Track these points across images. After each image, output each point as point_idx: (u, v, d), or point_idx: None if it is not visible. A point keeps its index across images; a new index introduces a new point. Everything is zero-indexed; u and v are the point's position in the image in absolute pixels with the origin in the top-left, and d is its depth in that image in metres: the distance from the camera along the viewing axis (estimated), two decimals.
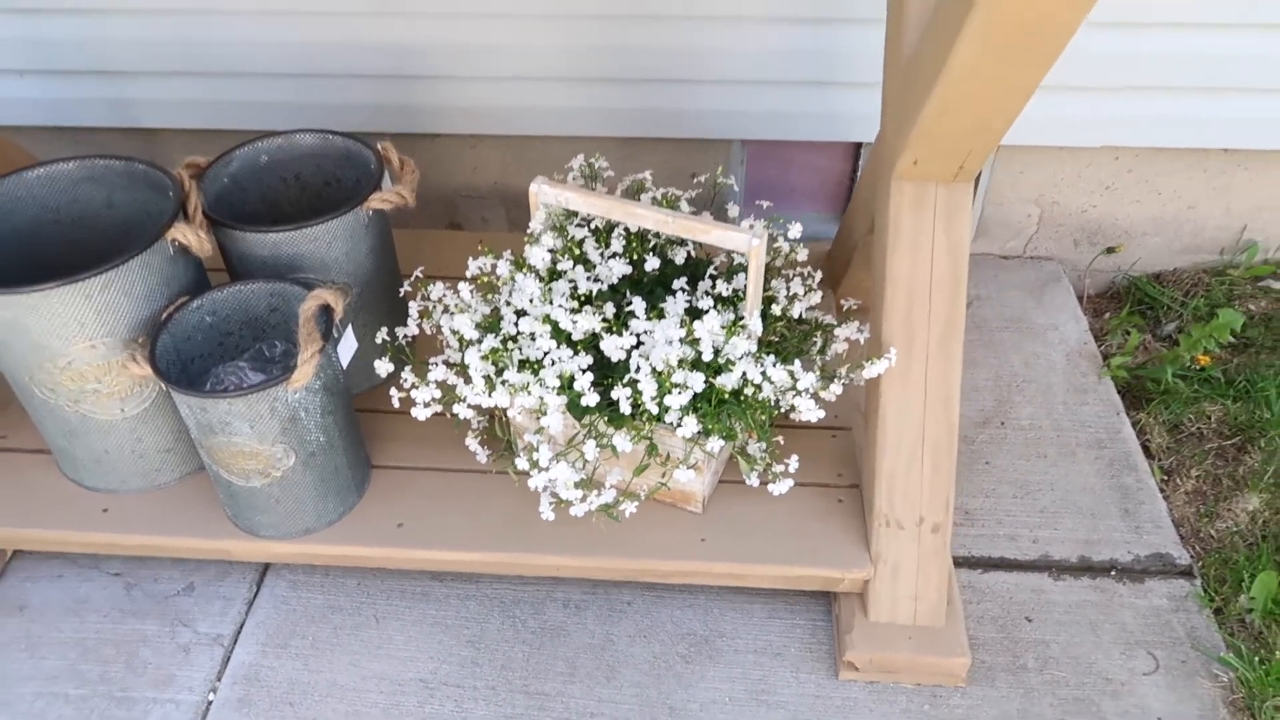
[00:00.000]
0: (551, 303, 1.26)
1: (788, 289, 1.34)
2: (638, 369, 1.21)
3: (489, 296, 1.34)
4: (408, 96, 1.87)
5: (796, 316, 1.34)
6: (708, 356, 1.20)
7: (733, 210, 1.48)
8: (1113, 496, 1.60)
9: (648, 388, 1.18)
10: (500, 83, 1.83)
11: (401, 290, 1.51)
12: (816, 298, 1.37)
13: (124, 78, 1.88)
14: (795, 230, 1.36)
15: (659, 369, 1.19)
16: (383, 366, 1.32)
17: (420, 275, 1.46)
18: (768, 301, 1.33)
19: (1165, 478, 1.66)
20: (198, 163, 1.45)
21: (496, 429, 1.41)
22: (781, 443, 1.40)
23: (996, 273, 2.05)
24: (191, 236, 1.27)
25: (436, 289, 1.34)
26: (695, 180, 1.98)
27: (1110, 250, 2.04)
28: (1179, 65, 1.73)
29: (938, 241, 1.28)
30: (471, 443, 1.38)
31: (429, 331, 1.35)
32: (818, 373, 1.27)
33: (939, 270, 1.28)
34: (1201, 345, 1.77)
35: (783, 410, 1.28)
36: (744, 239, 1.20)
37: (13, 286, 1.18)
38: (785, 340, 1.34)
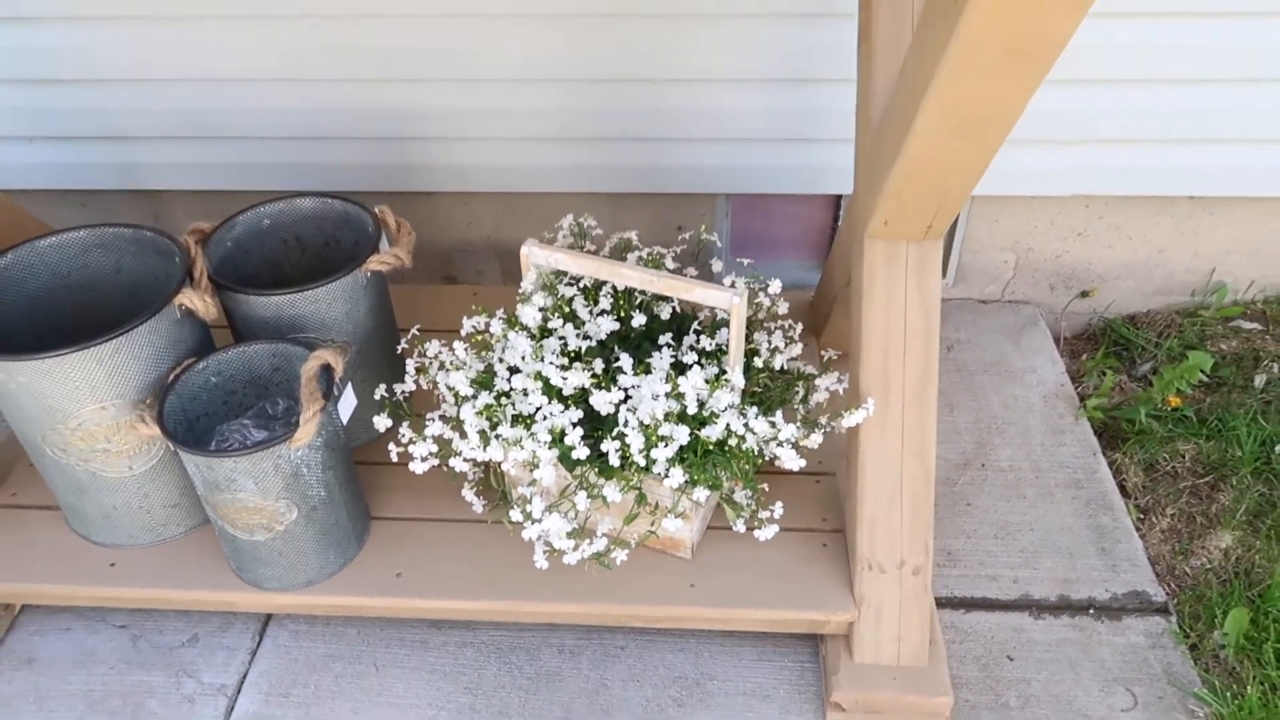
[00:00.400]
0: (543, 359, 1.32)
1: (769, 342, 1.40)
2: (625, 423, 1.26)
3: (483, 354, 1.39)
4: (403, 157, 1.94)
5: (778, 368, 1.40)
6: (692, 409, 1.26)
7: (717, 265, 1.55)
8: (1090, 536, 1.65)
9: (635, 441, 1.23)
10: (492, 143, 1.91)
11: (399, 347, 1.56)
12: (797, 349, 1.43)
13: (128, 142, 1.95)
14: (775, 286, 1.43)
15: (646, 422, 1.24)
16: (381, 422, 1.37)
17: (417, 333, 1.52)
18: (750, 354, 1.39)
19: (1141, 516, 1.71)
20: (202, 228, 1.51)
21: (492, 480, 1.46)
22: (766, 489, 1.45)
23: (975, 317, 2.11)
24: (198, 301, 1.33)
25: (432, 346, 1.40)
26: (681, 237, 2.04)
27: (1084, 294, 2.11)
28: (1143, 118, 1.81)
29: (910, 296, 1.34)
30: (467, 493, 1.43)
31: (425, 387, 1.41)
32: (800, 422, 1.33)
33: (912, 323, 1.34)
34: (1173, 386, 1.83)
35: (767, 459, 1.33)
36: (725, 297, 1.26)
37: (26, 351, 1.24)
38: (768, 390, 1.40)
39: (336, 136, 1.91)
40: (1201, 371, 1.85)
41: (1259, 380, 1.94)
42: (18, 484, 1.57)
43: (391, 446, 1.37)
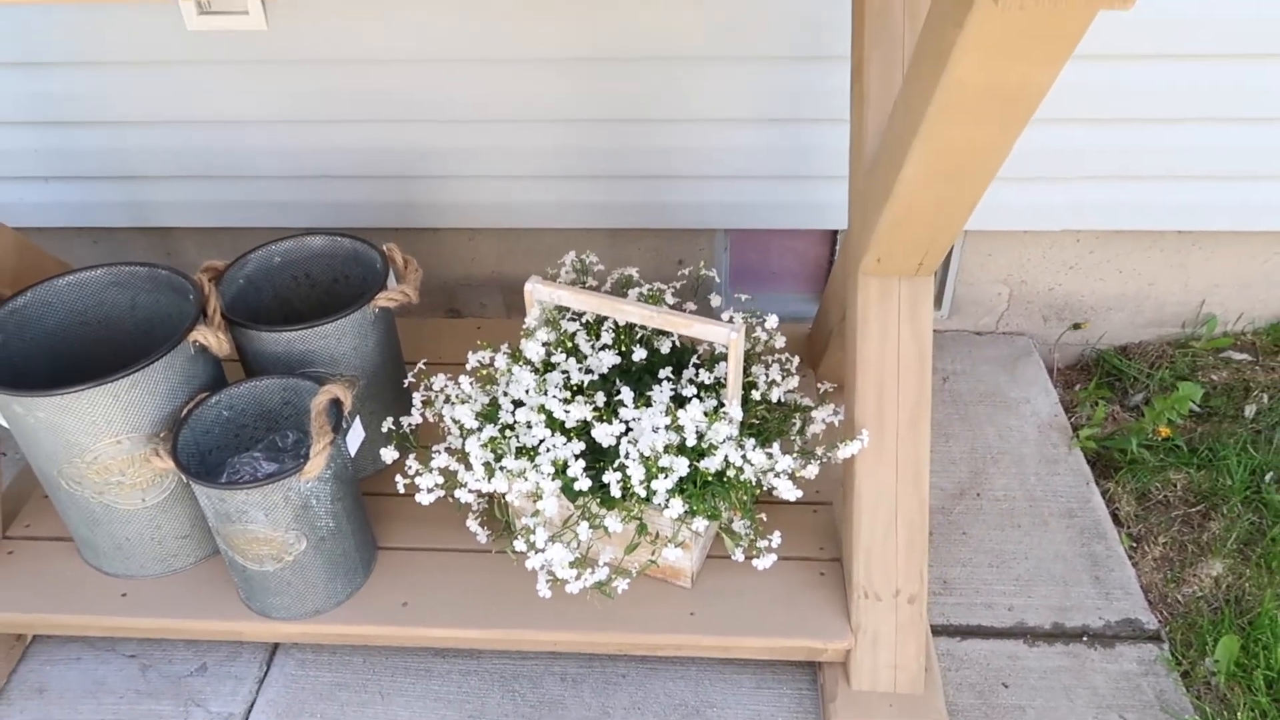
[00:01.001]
0: (546, 393, 1.35)
1: (767, 375, 1.44)
2: (626, 454, 1.30)
3: (488, 387, 1.43)
4: (409, 195, 1.99)
5: (776, 400, 1.44)
6: (691, 442, 1.29)
7: (715, 300, 1.59)
8: (1084, 564, 1.68)
9: (636, 472, 1.27)
10: (495, 181, 1.96)
11: (406, 381, 1.60)
12: (794, 382, 1.46)
13: (141, 181, 2.00)
14: (772, 321, 1.47)
15: (646, 454, 1.28)
16: (389, 454, 1.40)
17: (423, 367, 1.55)
18: (748, 387, 1.43)
19: (1134, 545, 1.74)
20: (216, 266, 1.55)
21: (496, 510, 1.50)
22: (765, 519, 1.48)
23: (970, 348, 2.15)
24: (211, 338, 1.37)
25: (438, 380, 1.44)
26: (680, 272, 2.09)
27: (1077, 326, 2.15)
28: (1130, 155, 1.86)
29: (903, 330, 1.38)
30: (472, 524, 1.46)
31: (431, 419, 1.44)
32: (797, 453, 1.36)
33: (905, 356, 1.38)
34: (1164, 417, 1.86)
35: (765, 489, 1.37)
36: (724, 332, 1.30)
37: (43, 387, 1.28)
38: (766, 422, 1.43)
39: (344, 175, 1.96)
40: (1192, 402, 1.89)
41: (1249, 410, 1.98)
42: (31, 516, 1.61)
43: (399, 478, 1.41)
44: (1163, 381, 2.05)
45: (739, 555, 1.42)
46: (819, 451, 1.37)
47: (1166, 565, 1.70)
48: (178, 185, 2.00)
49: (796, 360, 1.50)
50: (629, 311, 1.35)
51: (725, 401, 1.35)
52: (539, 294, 1.41)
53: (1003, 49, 0.85)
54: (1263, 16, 1.67)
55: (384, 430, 1.46)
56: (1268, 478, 1.82)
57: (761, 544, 1.39)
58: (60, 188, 2.01)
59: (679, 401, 1.38)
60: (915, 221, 1.20)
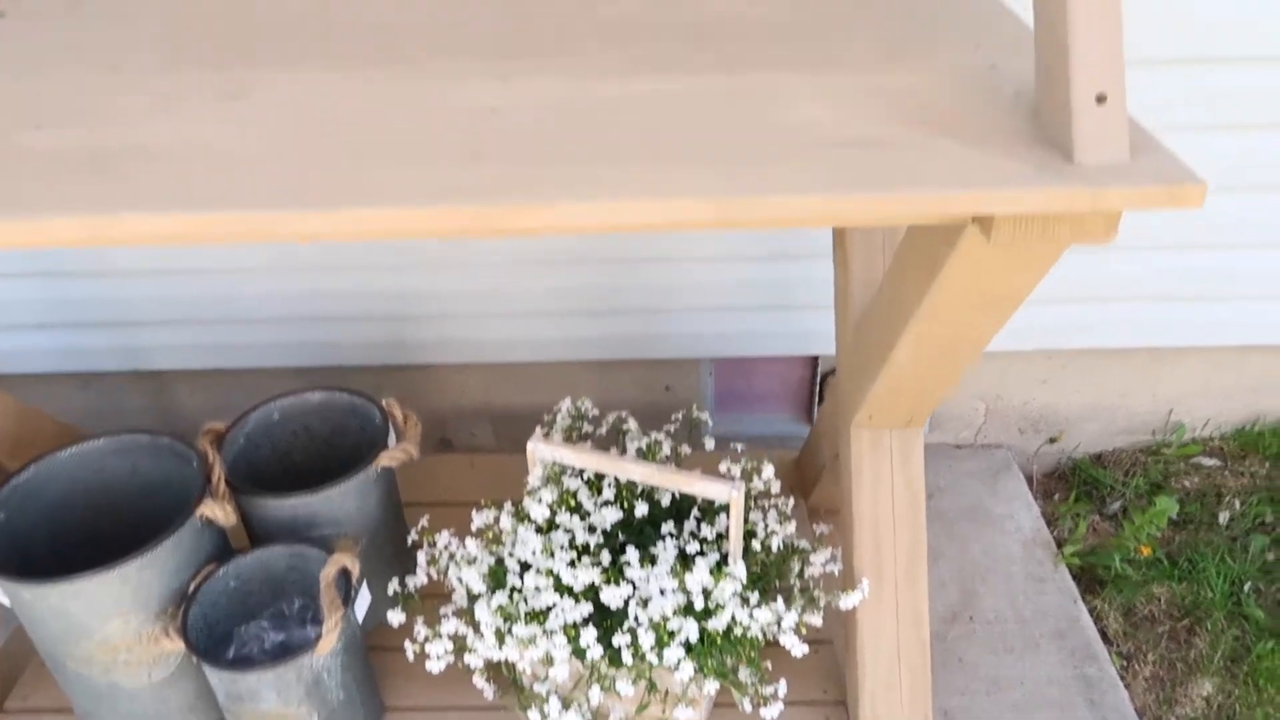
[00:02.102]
0: (553, 554, 1.38)
1: (765, 522, 1.48)
2: (635, 618, 1.32)
3: (493, 547, 1.45)
4: (401, 334, 2.02)
5: (775, 548, 1.47)
6: (699, 605, 1.32)
7: (709, 443, 1.63)
8: (1078, 687, 1.71)
9: (646, 639, 1.29)
10: (487, 319, 2.00)
11: (409, 538, 1.61)
12: (792, 527, 1.50)
13: (135, 327, 2.02)
14: (768, 470, 1.51)
15: (655, 620, 1.30)
16: (395, 617, 1.41)
17: (425, 525, 1.57)
18: (748, 535, 1.46)
19: (1124, 664, 1.78)
20: (217, 428, 1.57)
21: (503, 667, 1.50)
22: (770, 667, 1.50)
23: (951, 462, 2.21)
24: (219, 511, 1.39)
25: (442, 537, 1.45)
26: (675, 416, 2.14)
27: (1052, 440, 2.22)
28: (1098, 280, 1.94)
29: (896, 479, 1.43)
30: (479, 681, 1.47)
31: (436, 577, 1.46)
32: (797, 594, 1.39)
33: (900, 506, 1.43)
34: (1144, 532, 1.92)
35: (769, 638, 1.39)
36: (725, 490, 1.34)
37: (47, 566, 1.28)
38: (765, 569, 1.46)
39: (336, 317, 1.99)
40: (1169, 515, 1.95)
41: (1223, 517, 2.04)
42: (29, 686, 1.59)
43: (407, 643, 1.41)
44: (1138, 490, 2.11)
45: (747, 706, 1.44)
46: (819, 598, 1.40)
47: (1158, 685, 1.73)
48: (171, 330, 2.02)
49: (792, 502, 1.54)
50: (632, 470, 1.39)
51: (728, 557, 1.38)
52: (541, 453, 1.44)
53: (991, 267, 0.91)
54: (1213, 158, 1.77)
55: (389, 594, 1.47)
56: (1246, 588, 1.88)
57: (767, 691, 1.41)
58: (54, 334, 2.03)
59: (683, 558, 1.41)
60: (905, 390, 1.25)
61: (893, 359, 1.15)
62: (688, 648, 1.31)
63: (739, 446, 1.59)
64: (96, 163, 0.84)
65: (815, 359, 2.15)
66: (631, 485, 1.50)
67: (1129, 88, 0.79)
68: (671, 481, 1.37)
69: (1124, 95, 0.79)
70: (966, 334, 1.07)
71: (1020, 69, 0.97)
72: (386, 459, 1.54)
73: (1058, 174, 0.77)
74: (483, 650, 1.35)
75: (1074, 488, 2.16)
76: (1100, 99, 0.78)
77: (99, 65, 1.05)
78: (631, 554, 1.38)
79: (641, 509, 1.46)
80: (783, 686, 1.40)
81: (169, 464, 1.52)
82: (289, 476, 1.68)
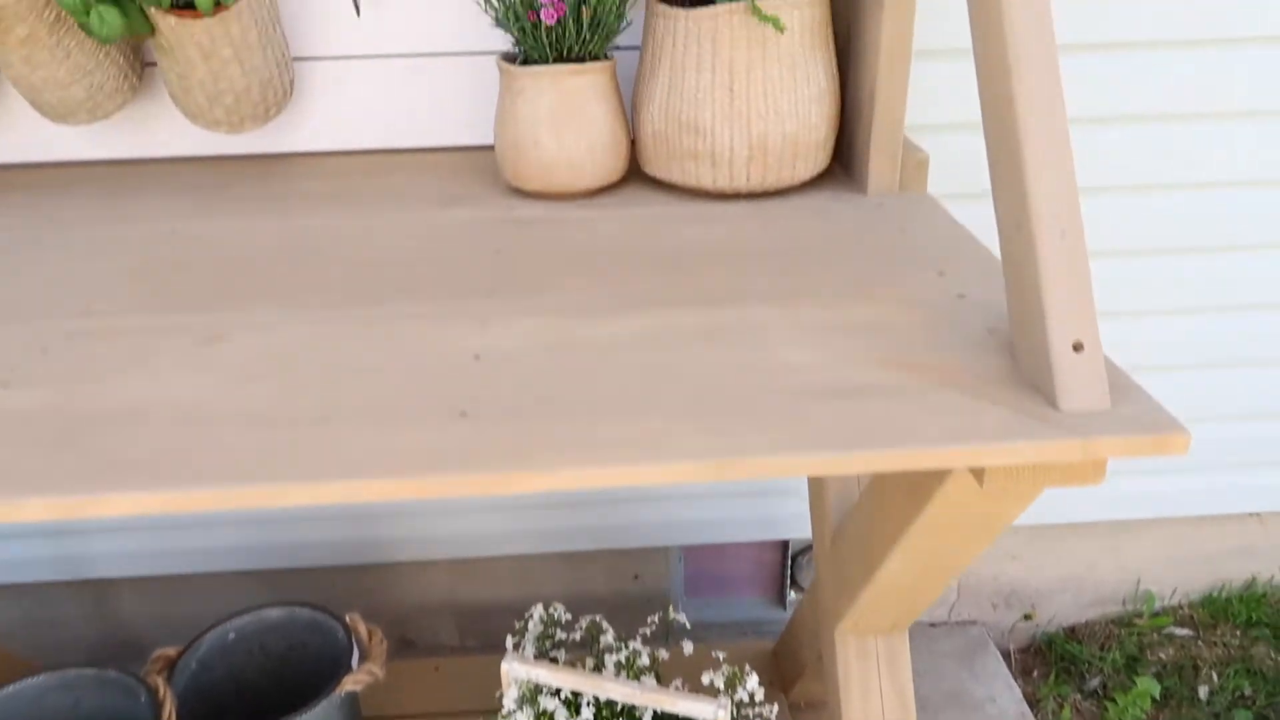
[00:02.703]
0: None
1: None
2: None
3: None
4: (359, 533, 1.96)
5: None
6: None
7: (687, 647, 1.58)
8: None
9: None
10: (447, 515, 1.95)
11: None
12: None
13: (76, 535, 1.93)
14: (752, 681, 1.46)
15: None
16: None
17: None
18: None
19: None
20: (168, 654, 1.48)
21: None
22: None
23: (928, 642, 2.17)
24: None
25: None
26: (650, 620, 2.09)
27: (1027, 617, 2.20)
28: None
29: (885, 687, 1.39)
30: None
31: None
32: None
33: (889, 711, 1.38)
34: (1129, 714, 1.89)
35: None
36: (710, 710, 1.29)
37: None
38: None
39: (292, 518, 1.93)
40: (1151, 696, 1.92)
41: (1203, 692, 2.02)
42: None
43: None
44: (1115, 665, 2.09)
45: None
46: None
47: None
48: (115, 537, 1.94)
49: (776, 708, 1.49)
50: (612, 689, 1.34)
51: None
52: (516, 673, 1.38)
53: (981, 504, 0.92)
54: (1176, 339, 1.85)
55: None
56: None
57: None
58: None
59: None
60: (890, 602, 1.23)
61: (877, 577, 1.13)
62: None
63: (720, 655, 1.55)
64: (69, 433, 0.81)
65: (786, 542, 2.12)
66: (611, 702, 1.44)
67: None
68: (654, 700, 1.32)
69: (1099, 342, 0.81)
70: (953, 553, 1.06)
71: (987, 298, 1.01)
72: (351, 683, 1.46)
73: (1045, 423, 0.79)
74: None
75: (1052, 664, 2.13)
76: (1077, 347, 0.81)
77: (71, 309, 1.04)
78: None
79: None
80: None
81: (116, 699, 1.42)
82: (242, 697, 1.58)
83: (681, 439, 0.78)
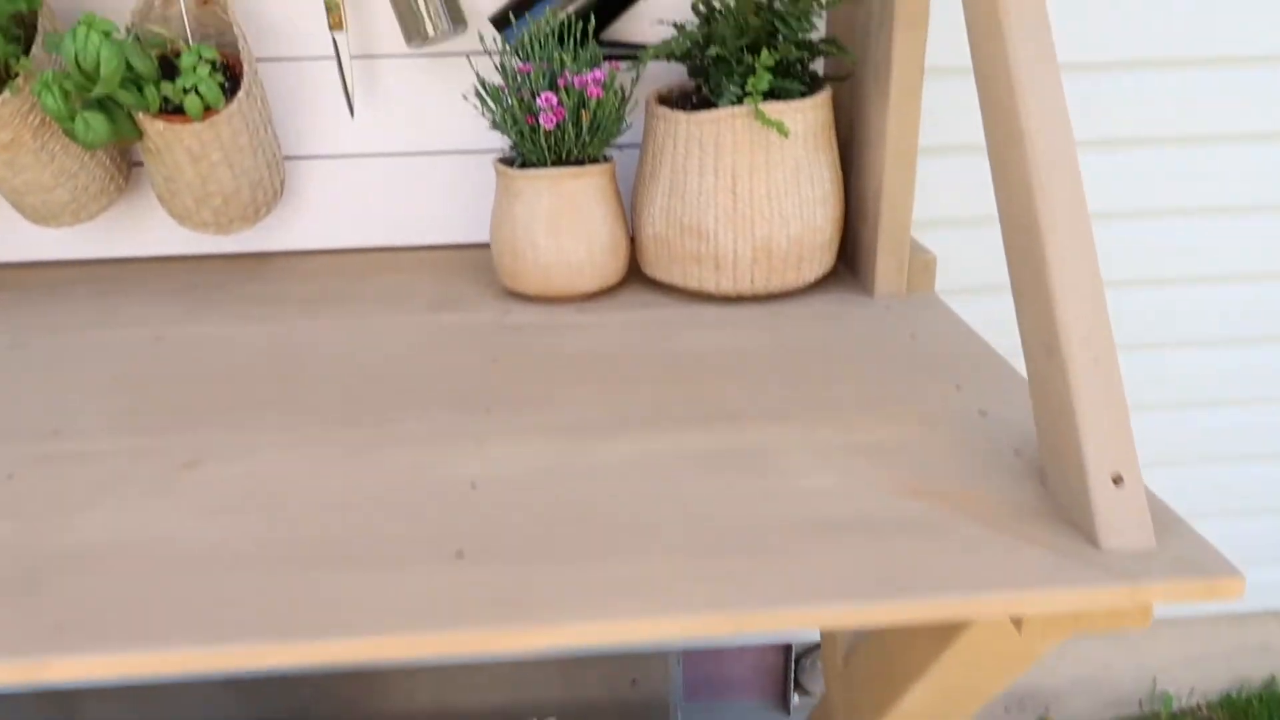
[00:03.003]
0: None
1: None
2: None
3: None
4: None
5: None
6: None
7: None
8: None
9: None
10: None
11: None
12: None
13: None
14: None
15: None
16: None
17: None
18: None
19: None
20: None
21: None
22: None
23: None
24: None
25: None
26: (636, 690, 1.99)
27: (1042, 719, 2.12)
28: None
29: None
30: None
31: None
32: None
33: None
34: None
35: None
36: None
37: None
38: None
39: None
40: None
41: None
42: None
43: None
44: None
45: None
46: None
47: None
48: None
49: None
50: None
51: None
52: None
53: (1015, 646, 0.85)
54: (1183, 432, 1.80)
55: None
56: None
57: None
58: None
59: None
60: None
61: (896, 709, 1.06)
62: None
63: None
64: (30, 579, 0.75)
65: (789, 645, 2.04)
66: None
67: None
68: None
69: (1139, 474, 0.76)
70: (980, 688, 1.00)
71: (1009, 416, 0.96)
72: None
73: (1089, 565, 0.73)
74: None
75: None
76: (1117, 480, 0.76)
77: (40, 430, 0.98)
78: None
79: None
80: None
81: None
82: None
83: (694, 584, 0.72)
